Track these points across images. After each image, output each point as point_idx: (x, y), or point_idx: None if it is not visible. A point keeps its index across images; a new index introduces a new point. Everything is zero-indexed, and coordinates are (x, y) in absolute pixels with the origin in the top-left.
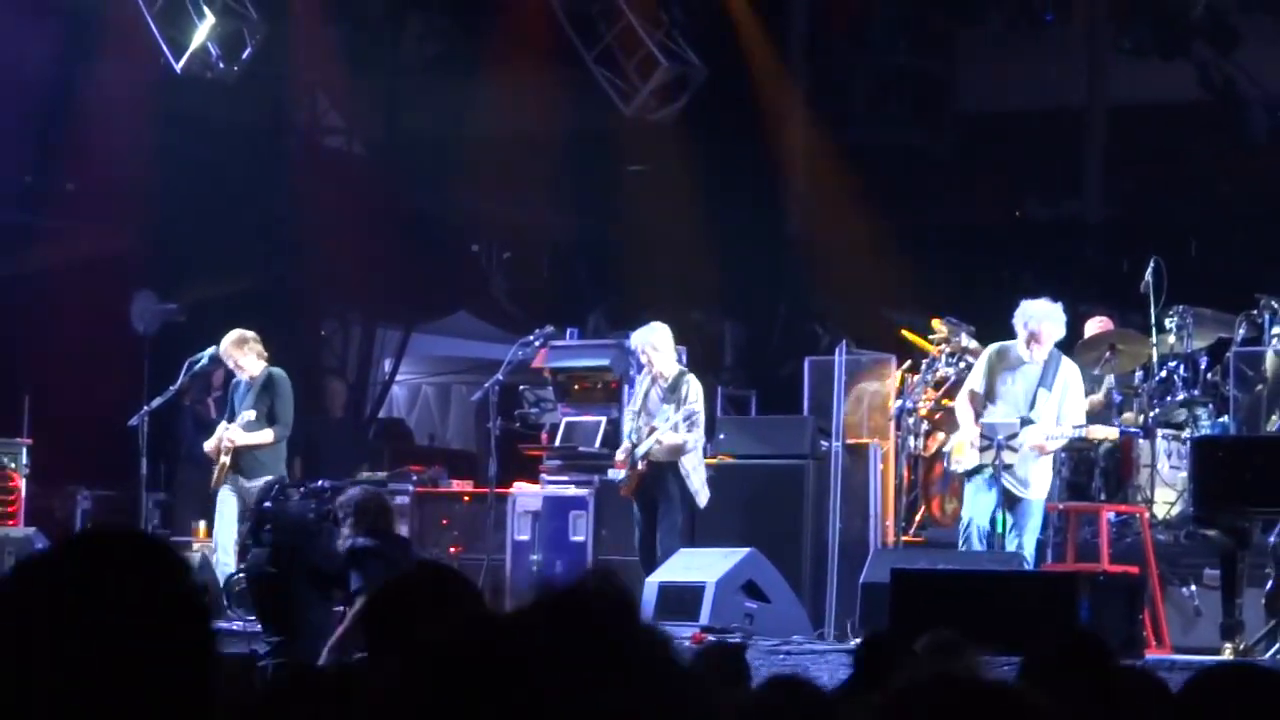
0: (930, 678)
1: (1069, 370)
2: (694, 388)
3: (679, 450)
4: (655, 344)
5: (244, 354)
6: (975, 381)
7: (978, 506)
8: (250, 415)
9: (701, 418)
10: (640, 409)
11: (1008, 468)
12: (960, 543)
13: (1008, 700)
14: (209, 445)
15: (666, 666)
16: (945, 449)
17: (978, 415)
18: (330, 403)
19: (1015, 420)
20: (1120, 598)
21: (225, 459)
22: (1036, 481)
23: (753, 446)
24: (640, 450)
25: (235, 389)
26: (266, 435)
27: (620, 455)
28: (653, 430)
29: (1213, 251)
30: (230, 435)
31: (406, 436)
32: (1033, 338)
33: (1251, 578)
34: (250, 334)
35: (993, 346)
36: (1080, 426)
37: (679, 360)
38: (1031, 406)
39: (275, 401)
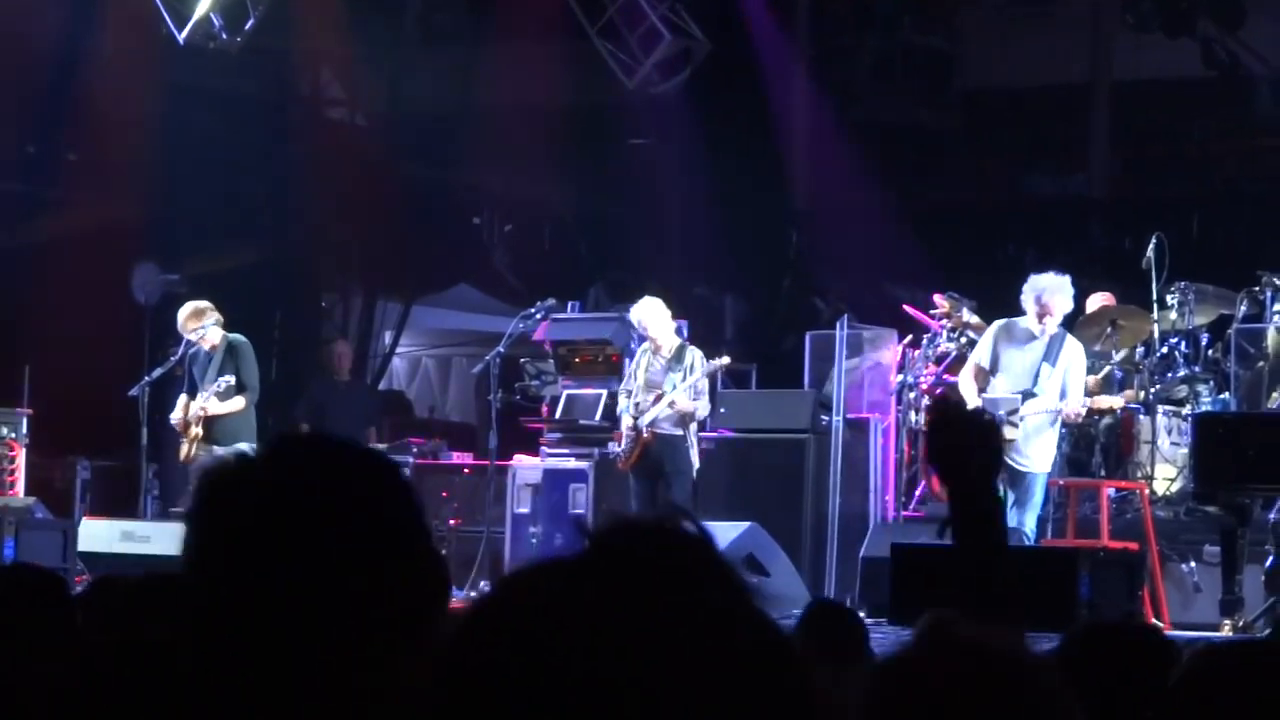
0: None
1: (1073, 347)
2: (700, 359)
3: (690, 417)
4: (651, 318)
5: (203, 323)
6: (981, 356)
7: None
8: (228, 381)
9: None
10: (642, 383)
11: (1008, 443)
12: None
13: (1019, 664)
14: (175, 418)
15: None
16: None
17: (981, 390)
18: (338, 365)
19: (1017, 395)
20: (1120, 574)
21: (197, 429)
22: (1038, 456)
23: (753, 420)
24: (648, 418)
25: (194, 359)
26: (239, 402)
27: (623, 426)
28: (659, 398)
29: (1215, 228)
30: (204, 405)
31: (407, 408)
32: (1044, 310)
33: (1251, 554)
34: (206, 304)
35: (998, 322)
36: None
37: (678, 333)
38: (1035, 381)
39: (241, 367)
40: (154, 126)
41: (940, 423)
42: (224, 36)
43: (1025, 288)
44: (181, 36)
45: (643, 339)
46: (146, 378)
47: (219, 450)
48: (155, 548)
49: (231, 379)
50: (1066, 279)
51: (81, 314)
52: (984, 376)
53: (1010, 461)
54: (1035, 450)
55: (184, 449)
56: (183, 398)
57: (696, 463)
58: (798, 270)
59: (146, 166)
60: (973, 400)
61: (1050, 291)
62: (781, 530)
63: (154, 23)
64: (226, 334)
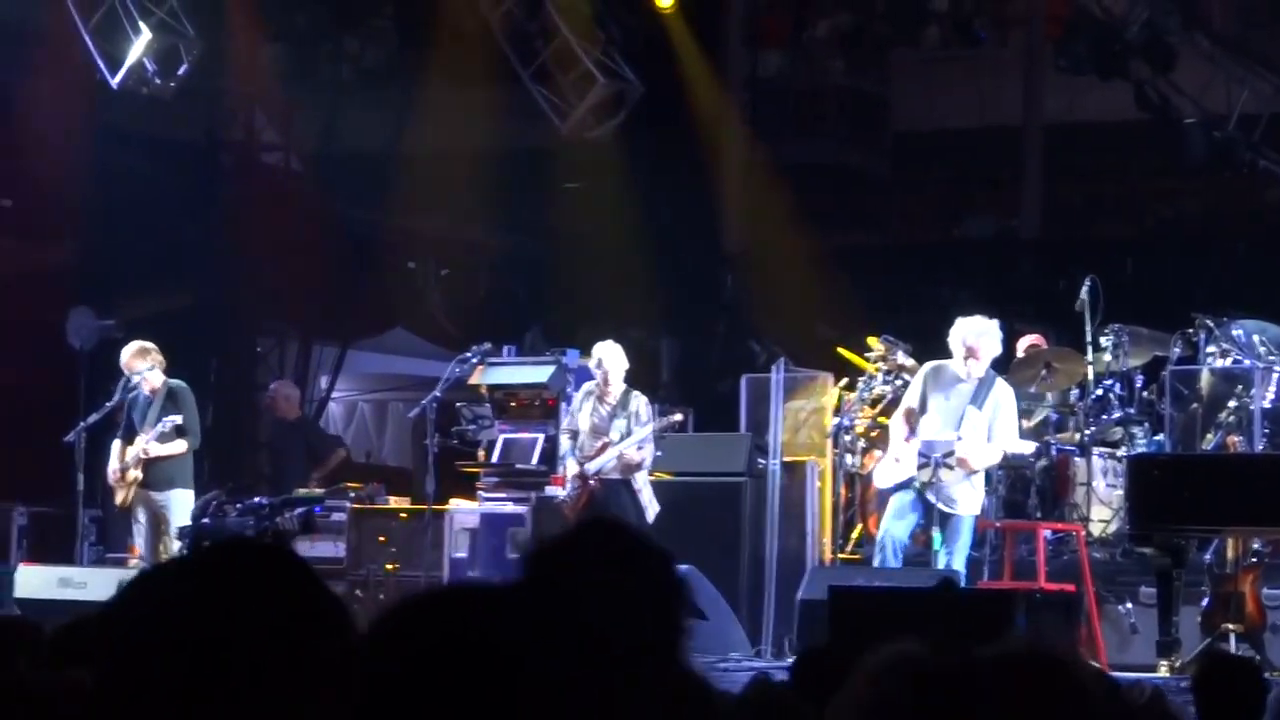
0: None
1: (1002, 390)
2: (644, 405)
3: (636, 467)
4: (612, 360)
5: (146, 363)
6: (911, 399)
7: (897, 521)
8: (175, 421)
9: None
10: (588, 427)
11: (939, 485)
12: (876, 556)
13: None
14: (112, 465)
15: None
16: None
17: (911, 432)
18: (283, 406)
19: (951, 437)
20: (1057, 615)
21: (136, 473)
22: (964, 499)
23: (690, 464)
24: (593, 466)
25: (133, 404)
26: (180, 445)
27: (570, 472)
28: (606, 446)
29: (1148, 270)
30: (145, 448)
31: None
32: (970, 353)
33: (1187, 595)
34: (150, 345)
35: (928, 364)
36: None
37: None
38: (959, 424)
39: (183, 413)
40: (87, 171)
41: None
42: (157, 81)
43: (952, 330)
44: (115, 81)
45: (581, 382)
46: (82, 423)
47: (155, 496)
48: (92, 594)
49: (178, 419)
50: (994, 322)
51: (15, 359)
52: (915, 418)
53: (940, 505)
54: (962, 493)
55: (120, 494)
56: (117, 444)
57: (651, 504)
58: (732, 313)
59: (80, 211)
60: (898, 442)
61: (976, 334)
62: (719, 573)
63: (87, 67)
64: (167, 379)
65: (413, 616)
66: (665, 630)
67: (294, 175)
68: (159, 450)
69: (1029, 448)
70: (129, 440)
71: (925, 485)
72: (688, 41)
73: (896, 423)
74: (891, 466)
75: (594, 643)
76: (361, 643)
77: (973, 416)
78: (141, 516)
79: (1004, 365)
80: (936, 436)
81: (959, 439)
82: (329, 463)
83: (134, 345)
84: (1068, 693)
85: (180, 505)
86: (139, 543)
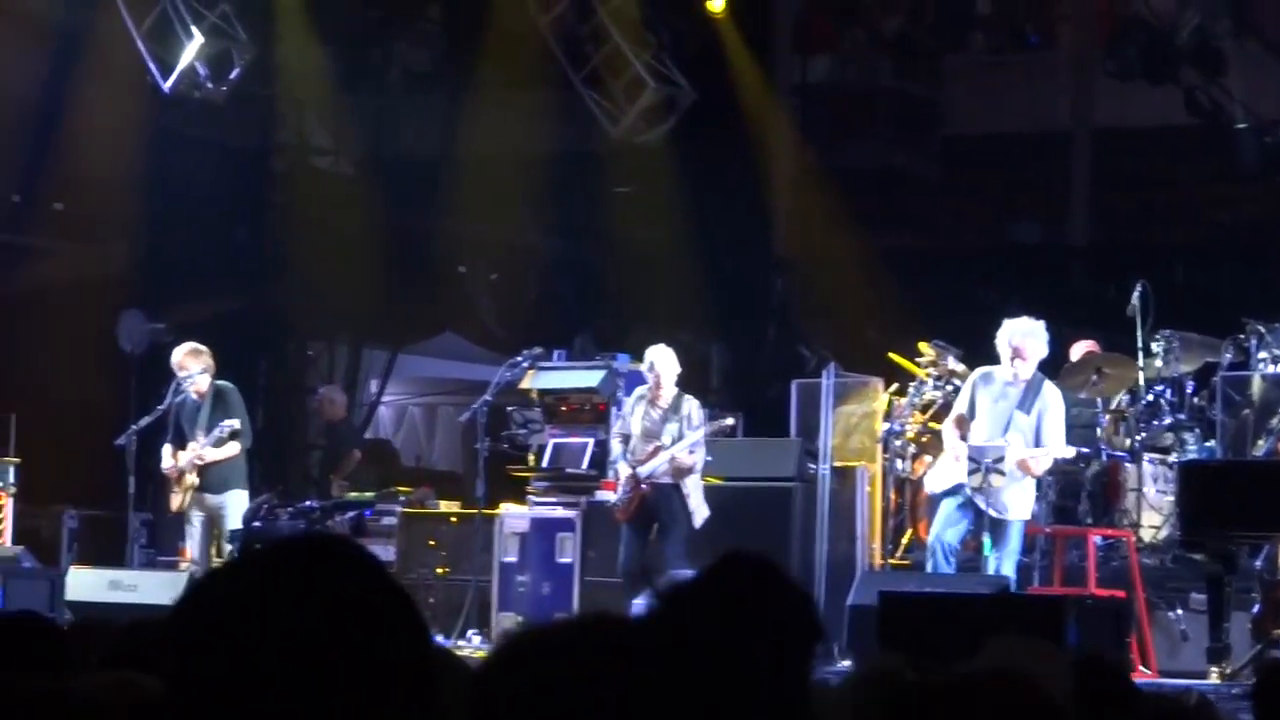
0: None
1: (1050, 394)
2: (697, 409)
3: (688, 471)
4: (665, 364)
5: (199, 365)
6: (961, 404)
7: (947, 526)
8: (233, 425)
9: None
10: (640, 431)
11: (992, 490)
12: (928, 562)
13: None
14: (167, 467)
15: None
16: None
17: (963, 438)
18: (330, 411)
19: (1000, 443)
20: (1107, 622)
21: (193, 478)
22: (1014, 504)
23: (740, 469)
24: (645, 470)
25: (181, 407)
26: (234, 448)
27: (622, 476)
28: (657, 450)
29: (1199, 275)
30: (201, 453)
31: (392, 457)
32: (1016, 354)
33: (1238, 602)
34: (203, 347)
35: (977, 371)
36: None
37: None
38: (1005, 429)
39: (231, 413)
40: (139, 175)
41: None
42: (209, 85)
43: (999, 332)
44: (167, 85)
45: (632, 387)
46: (134, 427)
47: (211, 499)
48: (143, 596)
49: (236, 423)
50: (1040, 324)
51: (68, 363)
52: (965, 425)
53: (990, 510)
54: (1012, 498)
55: (177, 499)
56: (168, 448)
57: (700, 508)
58: (782, 318)
59: (132, 215)
60: (951, 447)
61: (1022, 335)
62: None
63: (139, 72)
64: (214, 381)
65: (541, 648)
66: (798, 662)
67: (345, 179)
68: (215, 455)
69: (1069, 452)
70: (180, 445)
71: (975, 491)
72: (738, 46)
73: (949, 429)
74: (944, 471)
75: (728, 677)
76: (485, 673)
77: (1019, 421)
78: (196, 519)
79: (1055, 370)
80: (987, 442)
81: (1006, 444)
82: (345, 466)
83: (187, 345)
84: (1036, 710)
85: (236, 506)
86: (191, 545)
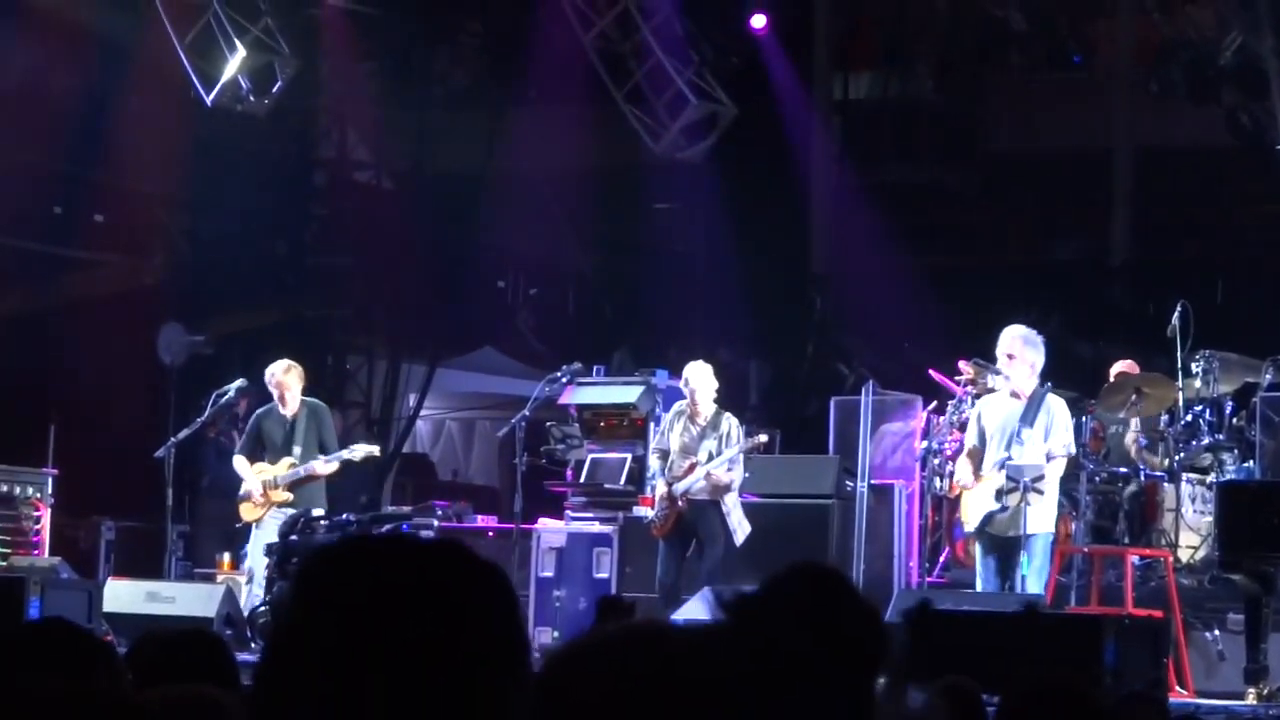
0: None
1: (1053, 403)
2: (735, 426)
3: (725, 488)
4: (701, 381)
5: (295, 381)
6: (971, 438)
7: (986, 568)
8: (371, 450)
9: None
10: (678, 447)
11: (1026, 509)
12: (977, 581)
13: None
14: (257, 481)
15: None
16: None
17: (978, 468)
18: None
19: (1041, 463)
20: (1145, 642)
21: (286, 494)
22: (1037, 519)
23: (778, 486)
24: (681, 487)
25: (268, 419)
26: (335, 465)
27: (659, 492)
28: (694, 466)
29: (1240, 296)
30: (313, 467)
31: (430, 471)
32: (1009, 356)
33: (1276, 623)
34: (297, 365)
35: (978, 402)
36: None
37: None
38: (1009, 445)
39: (323, 432)
40: (180, 188)
41: None
42: (251, 99)
43: (999, 338)
44: (209, 98)
45: (671, 403)
46: (172, 439)
47: (290, 512)
48: (180, 609)
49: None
50: (1033, 331)
51: (107, 374)
52: (978, 455)
53: (1022, 530)
54: (1034, 514)
55: (258, 511)
56: (241, 459)
57: (740, 526)
58: (821, 334)
59: (173, 228)
60: (968, 479)
61: (1012, 338)
62: None
63: (182, 85)
64: (304, 398)
65: (608, 652)
66: (868, 680)
67: (385, 193)
68: (324, 469)
69: (1064, 450)
70: (258, 457)
71: (1023, 509)
72: (780, 62)
73: (963, 466)
74: (972, 507)
75: (795, 685)
76: (548, 677)
77: (1026, 435)
78: (263, 528)
79: (1094, 389)
80: (1023, 461)
81: (1009, 459)
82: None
83: (285, 364)
84: None
85: None
86: (253, 555)
